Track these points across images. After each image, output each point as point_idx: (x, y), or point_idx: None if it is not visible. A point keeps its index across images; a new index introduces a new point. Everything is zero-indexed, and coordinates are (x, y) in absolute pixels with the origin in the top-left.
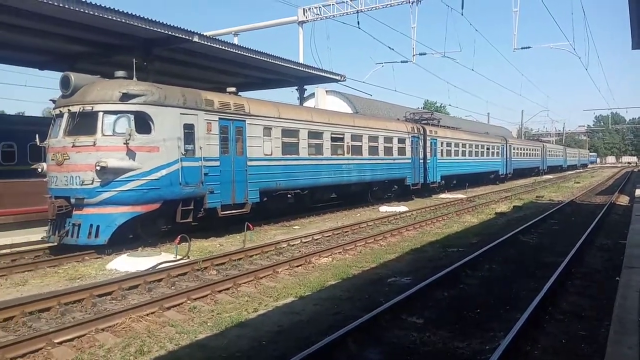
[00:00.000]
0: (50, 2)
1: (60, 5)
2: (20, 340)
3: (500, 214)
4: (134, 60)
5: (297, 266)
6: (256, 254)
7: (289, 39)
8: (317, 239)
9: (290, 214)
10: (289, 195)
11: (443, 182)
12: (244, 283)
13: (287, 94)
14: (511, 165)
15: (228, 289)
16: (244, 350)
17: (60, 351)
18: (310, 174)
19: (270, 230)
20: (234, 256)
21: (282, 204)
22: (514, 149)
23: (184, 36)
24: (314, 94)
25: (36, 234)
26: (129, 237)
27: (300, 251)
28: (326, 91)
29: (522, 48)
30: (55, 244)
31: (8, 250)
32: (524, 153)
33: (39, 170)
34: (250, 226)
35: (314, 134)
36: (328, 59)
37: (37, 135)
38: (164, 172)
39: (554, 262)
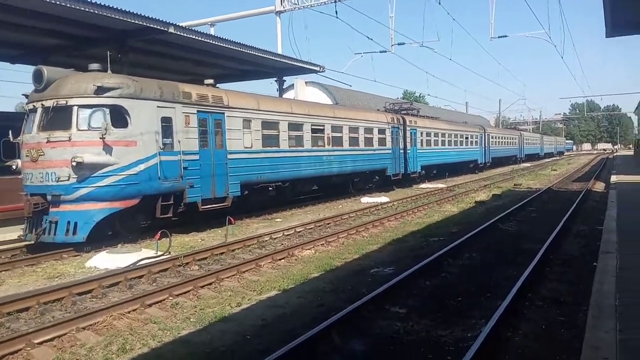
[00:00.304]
0: None
1: None
2: None
3: (479, 202)
4: (109, 52)
5: (280, 259)
6: (238, 248)
7: (267, 30)
8: (299, 232)
9: (271, 207)
10: (270, 188)
11: (423, 172)
12: (227, 277)
13: (267, 86)
14: (489, 154)
15: (211, 284)
16: (228, 345)
17: (41, 351)
18: (291, 166)
19: (252, 223)
20: (216, 251)
21: (264, 197)
22: (492, 137)
23: (159, 27)
24: (293, 85)
25: (12, 233)
26: (108, 233)
27: (282, 244)
28: (305, 82)
29: (498, 37)
30: (33, 242)
31: None
32: (501, 142)
33: (14, 167)
34: (232, 220)
35: (294, 126)
36: (307, 49)
37: (10, 131)
38: (142, 166)
39: (532, 249)
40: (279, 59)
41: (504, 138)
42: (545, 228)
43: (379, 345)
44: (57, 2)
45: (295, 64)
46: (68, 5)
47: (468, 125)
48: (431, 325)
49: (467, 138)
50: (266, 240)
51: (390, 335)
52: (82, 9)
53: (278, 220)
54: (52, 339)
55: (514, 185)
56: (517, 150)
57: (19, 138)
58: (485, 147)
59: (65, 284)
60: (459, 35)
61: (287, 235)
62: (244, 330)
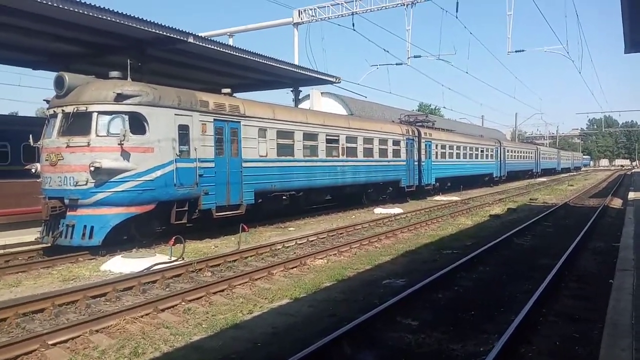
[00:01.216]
0: (45, 2)
1: (55, 5)
2: (14, 341)
3: (494, 216)
4: (129, 60)
5: (292, 268)
6: (251, 256)
7: (284, 41)
8: (312, 241)
9: (285, 216)
10: (283, 197)
11: (437, 184)
12: (239, 285)
13: (282, 96)
14: (505, 167)
15: (223, 290)
16: (239, 352)
17: (55, 353)
18: (305, 175)
19: (265, 231)
20: (229, 258)
21: (277, 205)
22: (508, 151)
23: (178, 37)
24: (309, 95)
25: (30, 235)
26: (123, 238)
27: (295, 253)
28: (321, 93)
29: (516, 51)
30: (49, 245)
31: (1, 251)
32: (517, 155)
33: (33, 170)
34: (245, 228)
35: (309, 136)
36: (323, 60)
37: (30, 136)
38: (158, 173)
39: (548, 265)
40: (295, 70)
41: (520, 152)
42: (561, 243)
43: (390, 357)
44: (80, 11)
45: (312, 74)
46: (90, 13)
47: (484, 139)
48: (443, 339)
49: (482, 151)
50: (279, 249)
51: (401, 347)
52: (104, 17)
53: (291, 229)
54: (66, 341)
55: (530, 199)
56: (534, 165)
57: (39, 142)
58: (501, 161)
59: (80, 287)
60: (475, 49)
61: (300, 244)
62: (255, 338)
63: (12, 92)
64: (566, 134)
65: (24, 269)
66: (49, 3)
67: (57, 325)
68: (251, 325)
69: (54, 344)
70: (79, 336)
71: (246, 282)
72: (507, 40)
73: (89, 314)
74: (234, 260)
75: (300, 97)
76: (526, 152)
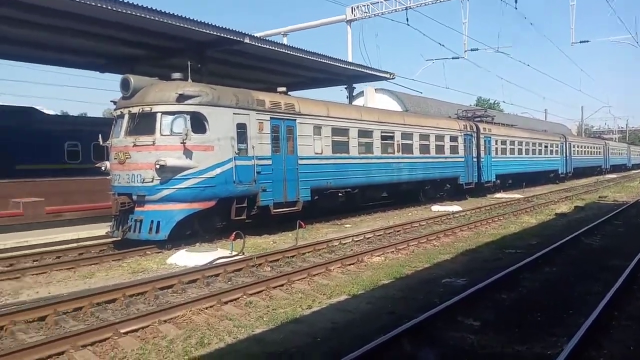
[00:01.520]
0: (111, 7)
1: (121, 10)
2: (89, 329)
3: (560, 214)
4: (189, 62)
5: (350, 264)
6: (308, 252)
7: (337, 38)
8: (368, 238)
9: (341, 213)
10: (339, 194)
11: (498, 181)
12: (298, 280)
13: (336, 93)
14: (571, 163)
15: (282, 285)
16: (300, 346)
17: (126, 341)
18: (360, 172)
19: (321, 228)
20: (287, 253)
21: (333, 202)
22: (574, 146)
23: (235, 37)
24: (362, 92)
25: (100, 229)
26: (186, 233)
27: (352, 249)
28: (375, 89)
29: (580, 42)
30: (119, 238)
31: (75, 245)
32: (584, 151)
33: (102, 168)
34: (302, 224)
35: (364, 133)
36: (377, 57)
37: (100, 135)
38: (218, 170)
39: (619, 266)
40: (349, 67)
41: (587, 147)
42: (634, 243)
43: (451, 357)
44: (143, 15)
45: (365, 71)
46: (153, 17)
47: (547, 134)
48: (508, 340)
49: (546, 147)
50: (336, 245)
51: (463, 347)
52: (165, 21)
53: (347, 225)
54: (136, 330)
55: (599, 197)
56: (602, 161)
57: (107, 142)
58: (566, 157)
59: (149, 279)
60: (536, 40)
61: (357, 241)
62: (315, 332)
63: (81, 94)
64: (636, 128)
65: (96, 261)
66: (120, 10)
67: (128, 315)
68: (311, 320)
69: (126, 333)
70: (148, 326)
71: (304, 278)
72: (571, 31)
73: (157, 305)
74: (292, 256)
75: (354, 94)
76: (594, 148)
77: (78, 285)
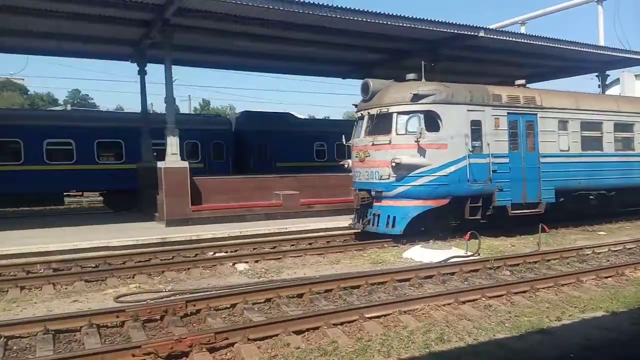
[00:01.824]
0: (352, 17)
1: (367, 20)
2: (339, 310)
3: None
4: (422, 62)
5: (607, 277)
6: (554, 259)
7: (581, 24)
8: (630, 249)
9: (592, 218)
10: (590, 197)
11: None
12: (543, 288)
13: (581, 83)
14: None
15: (525, 292)
16: (549, 358)
17: (371, 325)
18: (617, 172)
19: (568, 234)
20: (529, 258)
21: (583, 205)
22: None
23: (469, 32)
24: (618, 80)
25: (343, 221)
26: (420, 229)
27: (608, 260)
28: (635, 75)
29: None
30: (359, 230)
31: (323, 234)
32: None
33: (345, 166)
34: (545, 228)
35: (622, 127)
36: (636, 38)
37: (343, 136)
38: (452, 168)
39: None
40: (601, 52)
41: None
42: None
43: None
44: (380, 21)
45: (623, 55)
46: (392, 23)
47: None
48: None
49: None
50: (587, 254)
51: None
52: (403, 24)
53: (601, 233)
54: (379, 317)
55: None
56: None
57: (350, 142)
58: None
59: (387, 270)
60: None
61: (614, 251)
62: (566, 347)
63: (325, 99)
64: None
65: (341, 249)
66: (366, 20)
67: (371, 302)
68: (560, 333)
69: (370, 317)
70: (389, 314)
71: (551, 287)
72: None
73: (396, 296)
74: (535, 262)
75: (607, 83)
76: None
77: (328, 270)
